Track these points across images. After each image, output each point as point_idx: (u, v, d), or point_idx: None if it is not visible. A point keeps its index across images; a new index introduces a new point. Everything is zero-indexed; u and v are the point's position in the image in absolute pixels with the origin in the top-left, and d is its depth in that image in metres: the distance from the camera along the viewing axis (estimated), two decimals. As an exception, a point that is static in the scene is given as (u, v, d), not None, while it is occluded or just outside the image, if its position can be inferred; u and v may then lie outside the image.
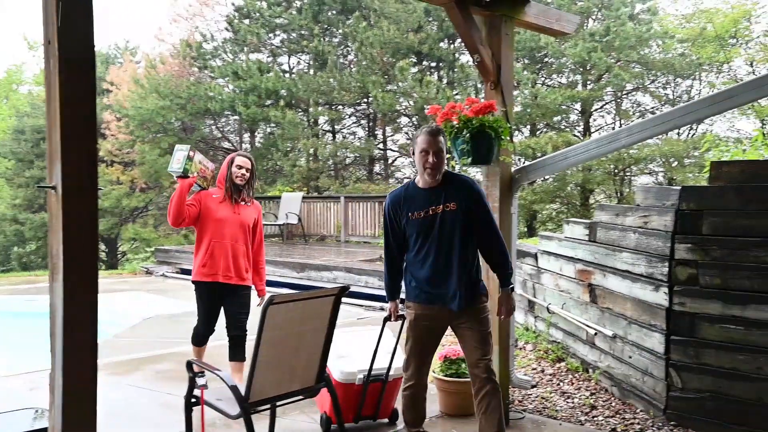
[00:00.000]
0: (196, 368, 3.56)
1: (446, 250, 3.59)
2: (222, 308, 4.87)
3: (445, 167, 3.65)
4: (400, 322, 4.08)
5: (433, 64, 20.26)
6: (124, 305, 9.74)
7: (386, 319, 4.05)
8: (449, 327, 3.78)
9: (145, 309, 9.23)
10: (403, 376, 3.87)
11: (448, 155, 3.87)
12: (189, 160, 4.53)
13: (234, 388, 3.18)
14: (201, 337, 4.95)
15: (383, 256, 3.90)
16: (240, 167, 4.79)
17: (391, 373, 4.25)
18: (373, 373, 4.21)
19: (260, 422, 3.88)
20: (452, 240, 3.58)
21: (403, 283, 3.89)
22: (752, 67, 17.12)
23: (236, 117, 21.24)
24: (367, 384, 4.21)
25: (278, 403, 3.60)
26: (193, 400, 3.50)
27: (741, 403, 4.04)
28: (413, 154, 3.63)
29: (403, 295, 3.89)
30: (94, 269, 2.19)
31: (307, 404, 4.47)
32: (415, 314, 3.72)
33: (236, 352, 4.85)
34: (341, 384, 4.17)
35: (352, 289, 9.42)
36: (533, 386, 5.09)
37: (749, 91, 3.48)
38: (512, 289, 3.74)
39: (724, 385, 4.10)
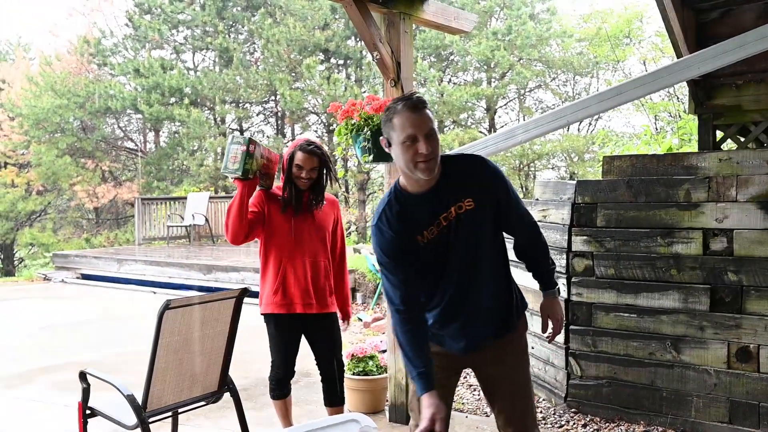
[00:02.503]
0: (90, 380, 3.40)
1: (473, 270, 2.42)
2: (308, 343, 3.82)
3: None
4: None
5: (341, 62, 20.24)
6: (18, 314, 9.25)
7: None
8: (470, 367, 2.69)
9: (42, 317, 8.79)
10: None
11: (351, 154, 3.81)
12: (249, 156, 3.45)
13: (130, 397, 3.06)
14: (280, 384, 3.78)
15: (392, 324, 2.49)
16: (300, 167, 3.53)
17: None
18: None
19: (162, 430, 3.77)
20: (477, 252, 2.41)
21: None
22: (644, 65, 17.97)
23: (139, 116, 20.54)
24: None
25: (180, 410, 3.49)
26: (87, 411, 3.34)
27: (635, 387, 4.22)
28: (388, 146, 2.35)
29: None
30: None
31: (212, 410, 4.35)
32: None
33: (332, 394, 3.79)
34: None
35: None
36: (441, 380, 5.15)
37: (636, 88, 3.64)
38: (558, 292, 2.66)
39: (620, 371, 4.27)
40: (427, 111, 2.29)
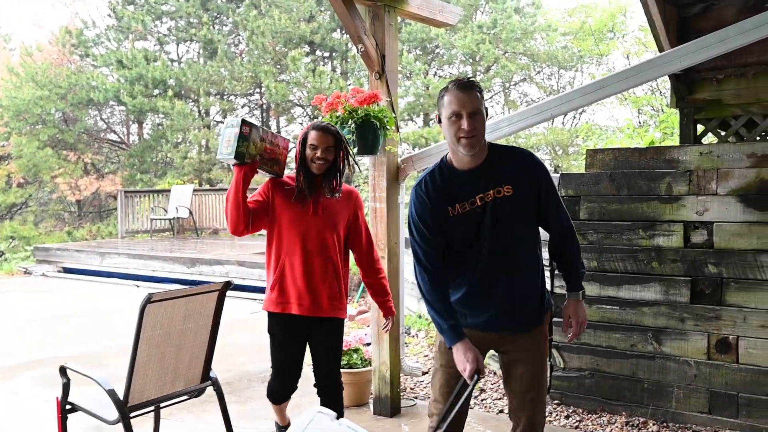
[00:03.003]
0: (70, 374, 3.38)
1: (501, 252, 2.53)
2: (310, 350, 3.47)
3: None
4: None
5: (326, 54, 20.16)
6: (7, 308, 9.17)
7: (476, 378, 2.47)
8: (494, 351, 2.77)
9: (23, 311, 8.72)
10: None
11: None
12: (243, 139, 3.18)
13: (111, 392, 3.04)
14: (276, 392, 3.51)
15: (417, 282, 2.64)
16: (314, 147, 3.22)
17: None
18: None
19: (145, 425, 3.75)
20: (508, 237, 2.52)
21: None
22: (628, 59, 18.05)
23: (122, 107, 20.35)
24: None
25: (162, 405, 3.47)
26: (68, 406, 3.32)
27: (617, 378, 4.26)
28: (439, 122, 2.54)
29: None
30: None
31: (195, 404, 4.34)
32: None
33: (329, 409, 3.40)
34: None
35: (246, 282, 9.29)
36: (424, 373, 5.17)
37: (618, 82, 3.65)
38: (583, 295, 2.70)
39: (602, 363, 4.31)
40: (477, 93, 2.45)
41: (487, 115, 2.52)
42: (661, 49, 5.42)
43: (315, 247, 3.28)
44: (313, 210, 3.28)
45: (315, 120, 3.34)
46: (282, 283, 3.32)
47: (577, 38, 18.65)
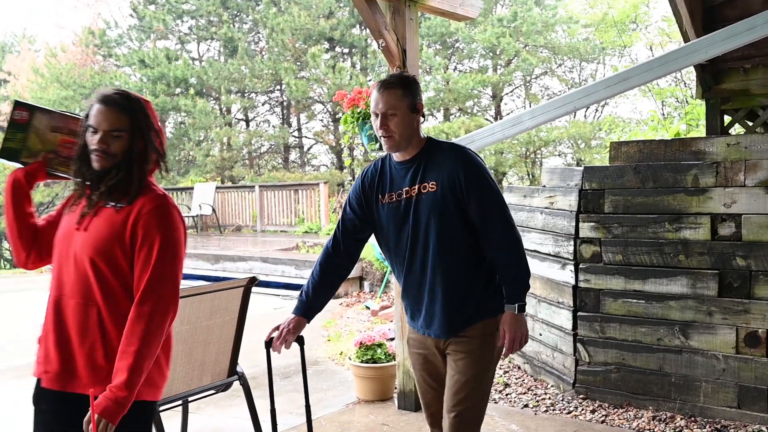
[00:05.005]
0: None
1: (422, 252, 2.47)
2: None
3: (420, 133, 2.51)
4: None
5: (346, 50, 20.20)
6: (23, 306, 9.29)
7: (267, 345, 2.63)
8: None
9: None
10: None
11: (357, 142, 3.77)
12: (17, 128, 2.17)
13: (140, 387, 3.07)
14: None
15: None
16: (94, 130, 2.03)
17: None
18: None
19: (173, 420, 3.78)
20: (428, 236, 2.44)
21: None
22: (651, 50, 17.86)
23: (145, 106, 20.55)
24: None
25: (190, 399, 3.51)
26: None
27: (644, 373, 4.23)
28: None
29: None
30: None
31: (221, 399, 4.38)
32: (408, 337, 2.73)
33: None
34: None
35: (269, 278, 9.34)
36: (449, 367, 5.17)
37: (642, 74, 3.62)
38: (521, 309, 2.46)
39: (628, 357, 4.28)
40: (395, 91, 2.42)
41: (417, 111, 2.46)
42: (686, 39, 5.35)
43: (70, 283, 2.11)
44: (81, 223, 2.09)
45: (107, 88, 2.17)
46: (41, 336, 2.22)
47: (598, 30, 18.47)
